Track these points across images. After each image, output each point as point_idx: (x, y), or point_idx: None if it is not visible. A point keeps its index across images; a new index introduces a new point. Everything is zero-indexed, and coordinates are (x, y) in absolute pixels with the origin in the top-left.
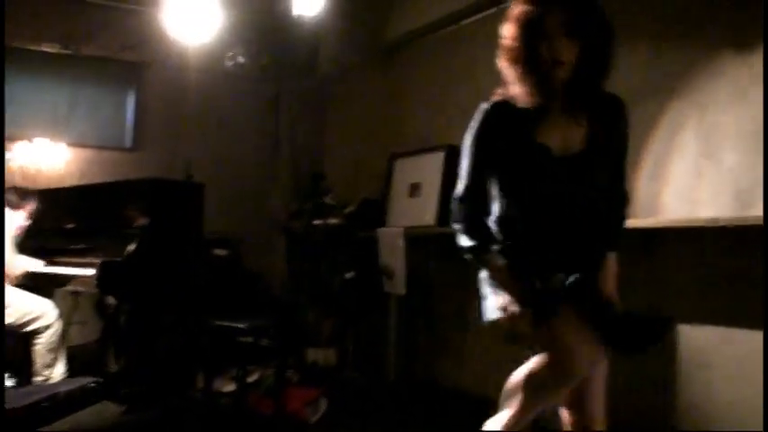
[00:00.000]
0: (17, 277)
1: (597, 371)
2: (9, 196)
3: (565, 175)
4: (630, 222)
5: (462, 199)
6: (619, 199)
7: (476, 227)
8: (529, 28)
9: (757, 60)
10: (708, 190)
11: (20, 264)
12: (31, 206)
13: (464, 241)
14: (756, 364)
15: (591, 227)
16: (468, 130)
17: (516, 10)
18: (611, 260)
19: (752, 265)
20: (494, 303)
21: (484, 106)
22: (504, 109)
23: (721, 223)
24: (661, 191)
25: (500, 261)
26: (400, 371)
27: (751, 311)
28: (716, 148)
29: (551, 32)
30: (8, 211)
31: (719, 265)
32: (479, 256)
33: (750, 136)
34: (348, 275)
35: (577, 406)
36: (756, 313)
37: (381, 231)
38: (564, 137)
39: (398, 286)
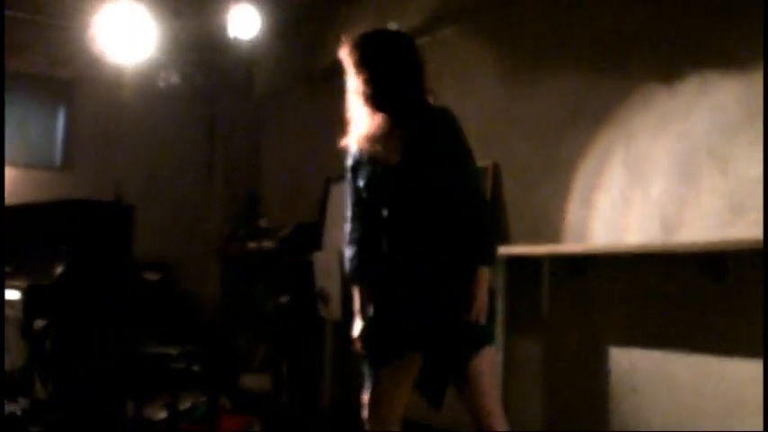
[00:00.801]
0: None
1: (476, 371)
2: None
3: (392, 185)
4: (560, 248)
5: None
6: (467, 206)
7: (350, 252)
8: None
9: (682, 91)
10: (635, 217)
11: None
12: None
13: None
14: (685, 388)
15: (429, 236)
16: None
17: None
18: (478, 275)
19: (679, 289)
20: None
21: None
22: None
23: (648, 250)
24: (590, 217)
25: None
26: (335, 397)
27: (679, 336)
28: (643, 177)
29: (348, 67)
30: None
31: (647, 291)
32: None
33: (675, 165)
34: (283, 300)
35: (470, 408)
36: (684, 337)
37: (317, 255)
38: (386, 151)
39: (334, 311)
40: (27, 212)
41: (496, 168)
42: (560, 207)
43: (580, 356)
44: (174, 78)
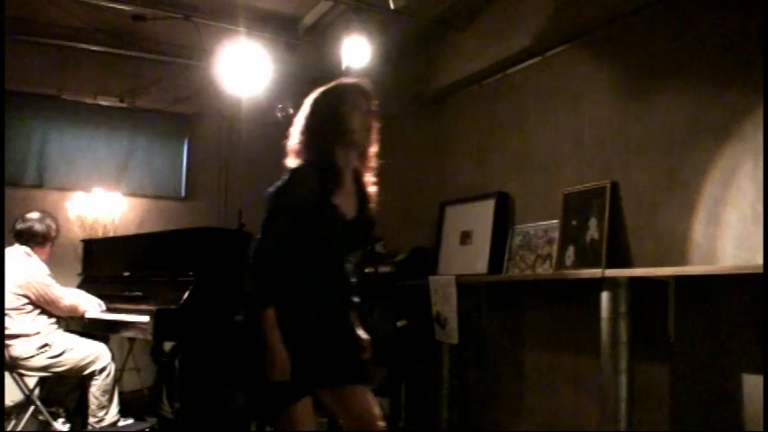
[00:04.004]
0: (82, 318)
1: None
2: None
3: None
4: (686, 269)
5: None
6: None
7: None
8: None
9: None
10: None
11: (89, 303)
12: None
13: None
14: None
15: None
16: None
17: None
18: None
19: None
20: None
21: None
22: None
23: None
24: (717, 236)
25: None
26: (453, 421)
27: None
28: None
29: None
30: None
31: None
32: None
33: None
34: (400, 324)
35: None
36: None
37: (433, 279)
38: None
39: (451, 335)
40: (155, 240)
41: (615, 188)
42: (685, 226)
43: (710, 383)
44: (290, 109)
